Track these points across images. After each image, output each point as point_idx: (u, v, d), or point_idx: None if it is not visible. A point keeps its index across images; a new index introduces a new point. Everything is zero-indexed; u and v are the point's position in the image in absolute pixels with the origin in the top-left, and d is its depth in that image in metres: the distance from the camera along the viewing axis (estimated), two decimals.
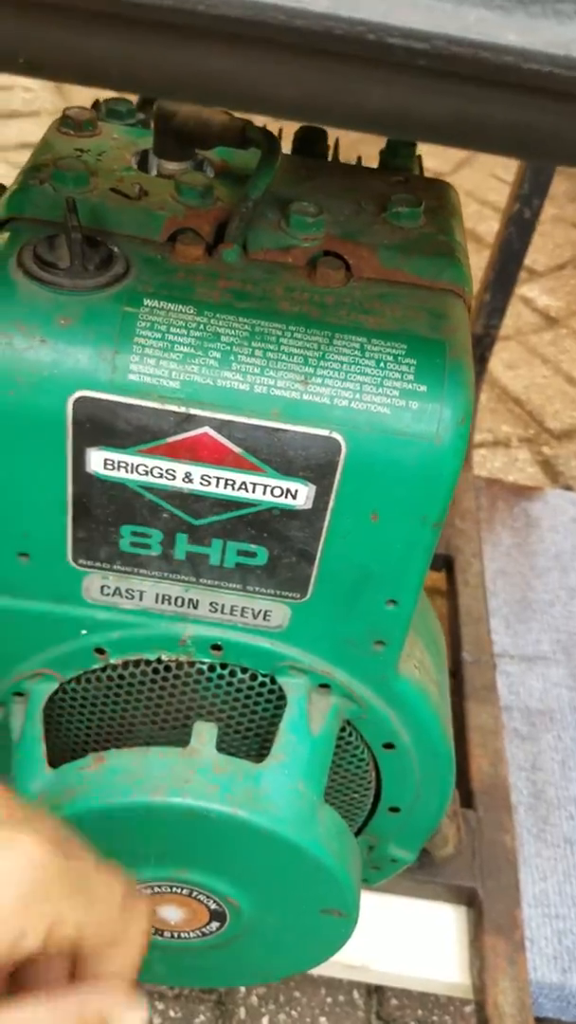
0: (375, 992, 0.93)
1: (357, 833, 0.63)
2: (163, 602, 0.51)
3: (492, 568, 1.16)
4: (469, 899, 0.85)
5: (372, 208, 0.52)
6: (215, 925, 0.56)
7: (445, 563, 1.16)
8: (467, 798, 0.91)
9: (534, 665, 1.05)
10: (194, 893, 0.54)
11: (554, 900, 0.86)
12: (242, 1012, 0.90)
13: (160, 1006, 0.89)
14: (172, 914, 0.54)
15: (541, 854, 0.89)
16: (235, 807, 0.49)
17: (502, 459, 1.74)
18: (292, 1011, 0.90)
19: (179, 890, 0.54)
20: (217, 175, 0.53)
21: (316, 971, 0.80)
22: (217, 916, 0.55)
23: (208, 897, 0.54)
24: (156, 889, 0.54)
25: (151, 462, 0.45)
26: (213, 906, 0.55)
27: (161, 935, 0.57)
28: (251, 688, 0.53)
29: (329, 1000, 0.92)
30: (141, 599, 0.51)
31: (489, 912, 0.83)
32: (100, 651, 0.53)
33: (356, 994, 0.93)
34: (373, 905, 0.84)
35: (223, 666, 0.53)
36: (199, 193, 0.49)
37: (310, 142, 0.59)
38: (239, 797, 0.49)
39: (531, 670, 1.04)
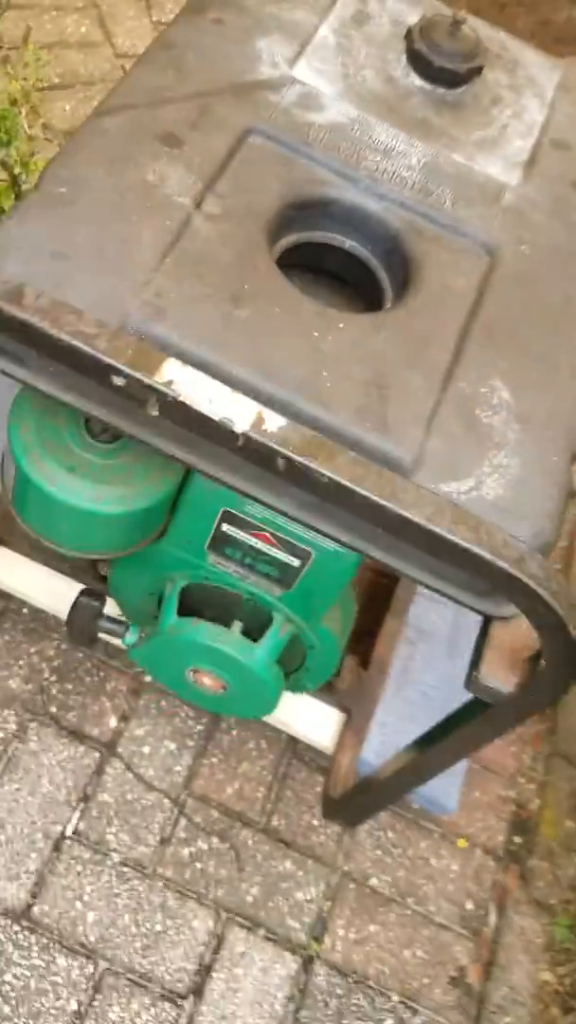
0: (291, 742, 1.76)
1: (290, 673, 1.41)
2: (236, 574, 1.26)
3: None
4: (347, 711, 1.65)
5: None
6: (223, 690, 1.35)
7: None
8: (365, 664, 1.69)
9: (435, 604, 1.79)
10: (216, 675, 1.33)
11: (392, 724, 1.65)
12: (225, 736, 1.74)
13: (188, 713, 1.73)
14: (208, 682, 1.34)
15: (395, 700, 1.67)
16: (240, 655, 1.26)
17: None
18: (251, 728, 1.74)
19: (211, 673, 1.33)
20: None
21: (270, 725, 1.63)
22: (224, 688, 1.35)
23: (221, 680, 1.33)
24: (202, 671, 1.33)
25: (241, 534, 1.18)
26: (222, 684, 1.34)
27: (203, 688, 1.37)
28: (260, 610, 1.29)
29: (269, 734, 1.75)
30: (230, 570, 1.26)
31: (353, 720, 1.63)
32: (206, 577, 1.29)
33: (283, 742, 1.76)
34: (305, 702, 1.64)
35: (249, 600, 1.29)
36: None
37: None
38: (245, 653, 1.26)
39: (432, 608, 1.78)
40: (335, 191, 1.07)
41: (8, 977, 1.46)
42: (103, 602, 1.36)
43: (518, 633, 0.94)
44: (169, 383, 0.80)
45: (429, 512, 0.79)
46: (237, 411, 0.80)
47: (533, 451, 0.93)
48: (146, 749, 1.69)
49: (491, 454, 0.92)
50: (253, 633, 1.31)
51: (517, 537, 0.87)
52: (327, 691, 1.63)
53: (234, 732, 1.75)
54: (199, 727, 1.73)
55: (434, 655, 1.73)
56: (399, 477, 0.80)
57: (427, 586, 0.94)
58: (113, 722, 1.70)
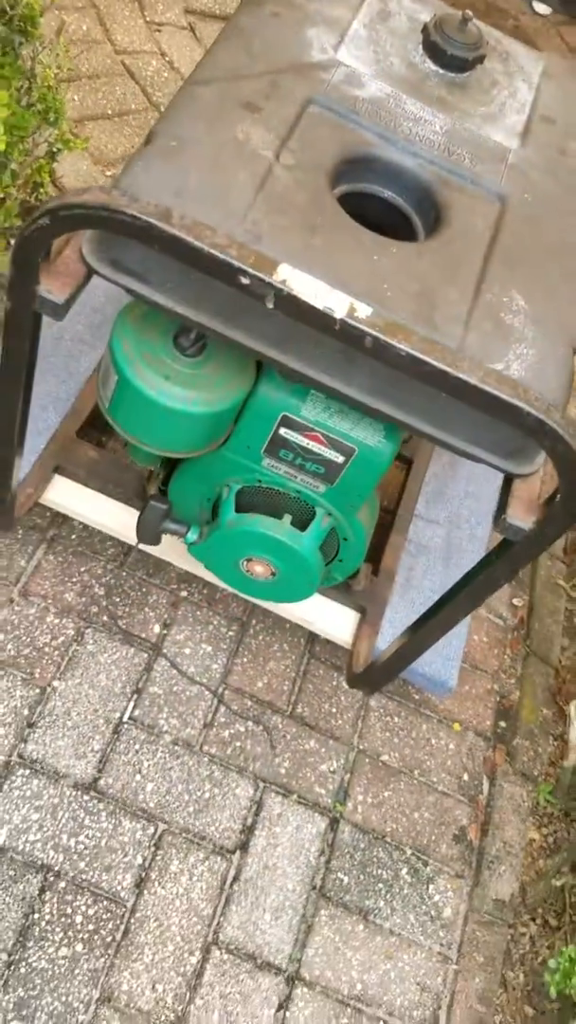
0: (311, 639, 2.01)
1: (328, 563, 1.66)
2: (286, 476, 1.50)
3: (431, 472, 2.15)
4: (362, 610, 1.90)
5: None
6: (272, 576, 1.60)
7: (409, 461, 2.15)
8: (376, 571, 1.95)
9: (431, 524, 2.06)
10: (268, 562, 1.57)
11: (399, 621, 1.91)
12: (255, 624, 1.98)
13: (220, 621, 1.97)
14: (259, 569, 1.58)
15: (401, 602, 1.93)
16: (291, 541, 1.51)
17: None
18: (275, 634, 1.98)
19: (264, 562, 1.57)
20: None
21: (288, 620, 1.88)
22: (273, 574, 1.59)
23: (271, 567, 1.57)
24: (255, 560, 1.57)
25: (296, 437, 1.43)
26: (272, 570, 1.58)
27: (253, 576, 1.61)
28: (306, 506, 1.54)
29: (290, 638, 2.00)
30: (281, 471, 1.50)
31: (368, 617, 1.89)
32: (259, 480, 1.53)
33: (302, 640, 2.01)
34: (323, 602, 1.89)
35: (296, 497, 1.53)
36: None
37: None
38: (295, 540, 1.51)
39: (428, 527, 2.05)
40: (379, 150, 1.33)
41: (81, 838, 1.68)
42: (169, 504, 1.60)
43: (534, 487, 1.21)
44: (283, 281, 1.04)
45: (480, 375, 1.05)
46: (336, 302, 1.05)
47: (545, 345, 1.20)
48: (187, 651, 1.92)
49: (514, 346, 1.18)
50: (299, 527, 1.56)
51: None
52: (345, 593, 1.88)
53: (260, 637, 1.99)
54: (231, 633, 1.97)
55: (432, 566, 2.00)
56: (458, 352, 1.06)
57: (466, 453, 1.21)
58: (157, 629, 1.93)
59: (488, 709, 2.10)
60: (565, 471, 1.10)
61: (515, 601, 2.30)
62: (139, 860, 1.68)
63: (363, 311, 1.05)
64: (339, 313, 1.04)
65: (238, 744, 1.85)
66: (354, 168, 1.33)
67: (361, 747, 1.94)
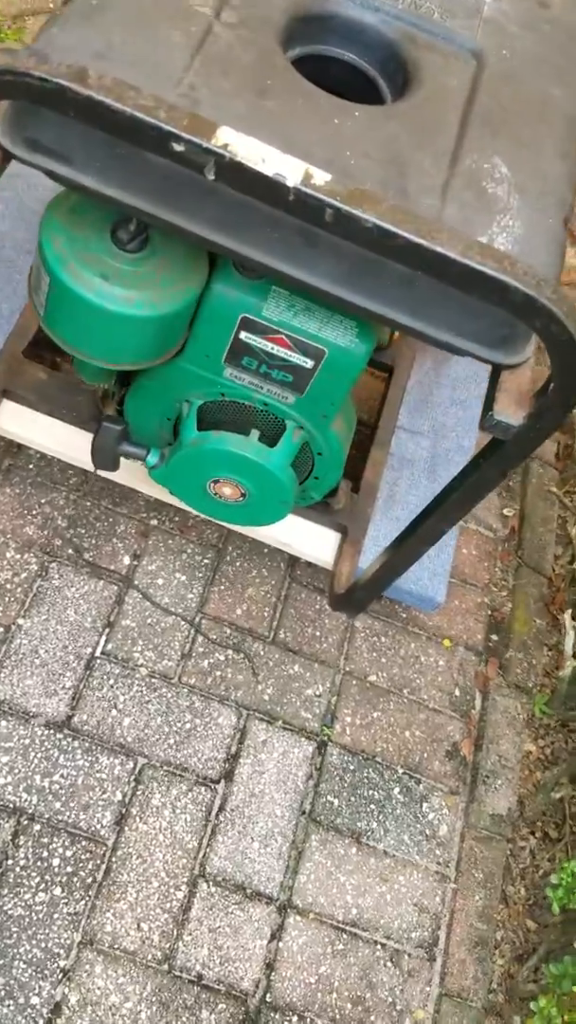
0: (291, 563, 1.86)
1: (302, 481, 1.50)
2: (251, 387, 1.33)
3: (413, 379, 1.98)
4: (343, 529, 1.75)
5: None
6: (242, 498, 1.44)
7: (388, 370, 1.97)
8: (357, 488, 1.79)
9: (414, 436, 1.89)
10: (236, 483, 1.41)
11: (382, 538, 1.77)
12: (231, 550, 1.83)
13: (195, 549, 1.81)
14: (228, 491, 1.42)
15: (384, 519, 1.79)
16: (260, 458, 1.35)
17: None
18: (252, 559, 1.84)
19: (232, 483, 1.41)
20: None
21: (266, 544, 1.73)
22: (243, 495, 1.43)
23: (241, 488, 1.42)
24: (223, 481, 1.41)
25: (259, 341, 1.26)
26: (242, 491, 1.42)
27: (222, 499, 1.45)
28: (275, 419, 1.38)
29: (269, 563, 1.85)
30: (245, 382, 1.33)
31: (350, 536, 1.74)
32: (222, 394, 1.36)
33: (282, 564, 1.86)
34: (302, 523, 1.74)
35: (264, 410, 1.37)
36: None
37: None
38: (264, 456, 1.35)
39: (412, 439, 1.89)
40: (335, 5, 1.12)
41: (56, 778, 1.56)
42: (125, 425, 1.43)
43: (524, 379, 1.04)
44: (225, 146, 0.86)
45: (461, 247, 0.87)
46: (288, 168, 0.86)
47: (532, 215, 1.02)
48: (160, 581, 1.78)
49: (498, 217, 1.01)
50: (268, 443, 1.39)
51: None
52: (324, 512, 1.73)
53: (238, 564, 1.84)
54: (206, 560, 1.82)
55: (416, 480, 1.84)
56: (435, 222, 0.88)
57: (448, 345, 1.04)
58: (127, 560, 1.78)
59: (479, 623, 1.97)
60: (559, 353, 0.93)
61: (505, 511, 2.15)
62: (118, 796, 1.56)
63: (320, 178, 0.87)
64: (292, 181, 0.86)
65: (218, 673, 1.72)
66: (308, 28, 1.12)
67: (347, 669, 1.81)
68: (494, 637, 1.96)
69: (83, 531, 1.78)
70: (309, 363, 1.27)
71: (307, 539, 1.75)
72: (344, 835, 1.65)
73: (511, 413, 1.03)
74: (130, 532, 1.81)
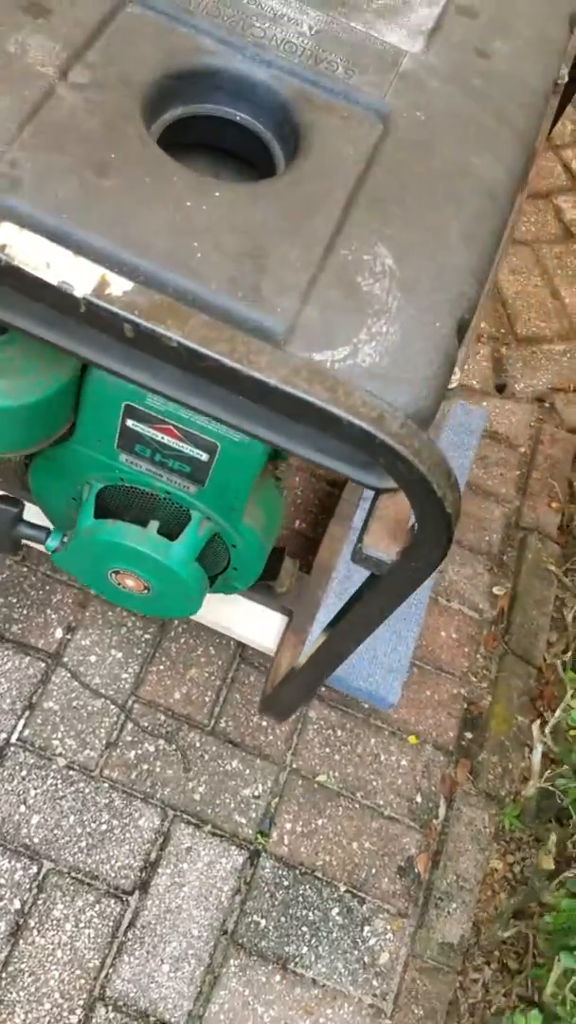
0: (240, 647, 1.73)
1: (219, 573, 1.37)
2: (149, 472, 1.21)
3: None
4: (289, 613, 1.61)
5: None
6: (146, 590, 1.32)
7: None
8: (308, 568, 1.65)
9: None
10: (137, 576, 1.29)
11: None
12: (176, 625, 1.71)
13: (135, 623, 1.70)
14: (130, 583, 1.30)
15: (337, 602, 1.64)
16: (158, 553, 1.22)
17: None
18: (199, 636, 1.71)
19: (132, 574, 1.29)
20: None
21: (212, 628, 1.60)
22: (146, 588, 1.31)
23: (143, 581, 1.29)
24: (123, 572, 1.29)
25: (147, 430, 1.13)
26: (144, 584, 1.30)
27: (127, 589, 1.33)
28: (179, 509, 1.25)
29: (217, 641, 1.73)
30: (143, 468, 1.21)
31: (295, 621, 1.60)
32: (121, 478, 1.24)
33: (232, 647, 1.73)
34: (245, 604, 1.61)
35: (167, 499, 1.24)
36: None
37: None
38: (162, 551, 1.23)
39: None
40: (218, 59, 0.99)
41: None
42: (20, 507, 1.32)
43: (403, 505, 0.89)
44: (3, 247, 0.74)
45: (284, 373, 0.73)
46: (78, 275, 0.74)
47: (415, 318, 0.87)
48: (92, 658, 1.67)
49: (370, 322, 0.86)
50: (173, 532, 1.27)
51: (393, 402, 0.83)
52: (268, 594, 1.60)
53: (182, 640, 1.72)
54: (147, 636, 1.71)
55: None
56: (255, 340, 0.75)
57: (312, 462, 0.90)
58: (59, 633, 1.68)
59: (452, 718, 1.80)
60: (411, 494, 0.78)
61: (495, 589, 1.98)
62: (16, 905, 1.46)
63: (119, 287, 0.74)
64: (82, 290, 0.74)
65: (145, 767, 1.60)
66: (189, 85, 1.00)
67: (294, 766, 1.67)
68: (468, 735, 1.79)
69: (14, 600, 1.68)
70: (204, 456, 1.14)
71: (250, 622, 1.62)
72: (268, 960, 1.50)
73: (383, 548, 0.88)
74: (67, 602, 1.71)
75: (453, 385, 0.94)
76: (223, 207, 0.89)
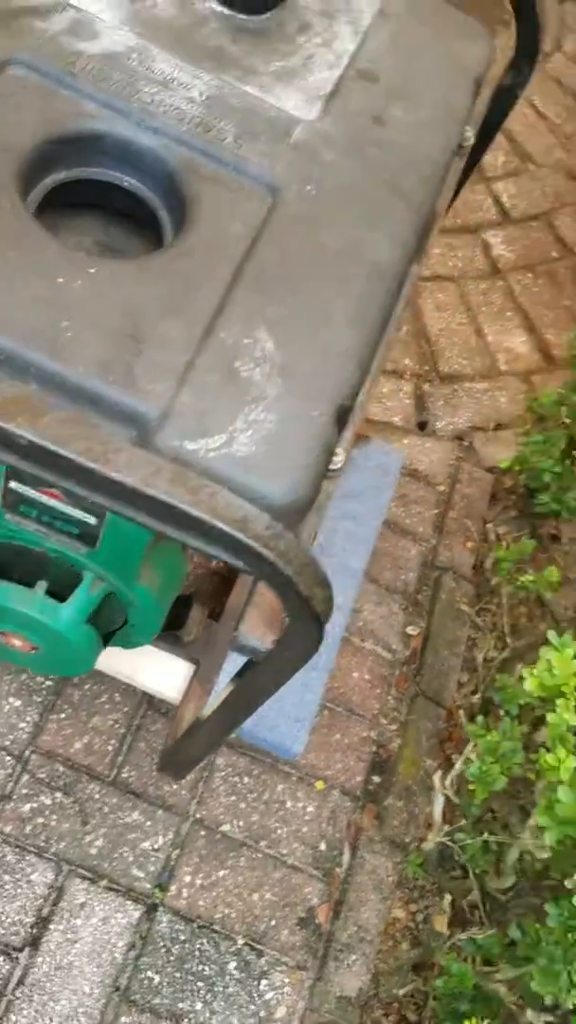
0: (147, 694, 1.70)
1: (115, 631, 1.34)
2: (38, 532, 1.18)
3: None
4: (196, 662, 1.59)
5: None
6: (34, 651, 1.29)
7: None
8: (222, 610, 1.64)
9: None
10: (24, 637, 1.26)
11: None
12: (76, 691, 1.68)
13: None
14: (17, 643, 1.27)
15: None
16: (44, 616, 1.20)
17: (390, 387, 2.32)
18: (104, 682, 1.68)
19: (19, 635, 1.26)
20: None
21: (117, 678, 1.57)
22: (35, 649, 1.28)
23: (30, 642, 1.26)
24: (10, 634, 1.26)
25: (32, 492, 1.10)
26: (32, 645, 1.27)
27: (14, 649, 1.30)
28: (70, 569, 1.22)
29: (124, 687, 1.70)
30: (30, 527, 1.18)
31: (202, 671, 1.58)
32: (11, 537, 1.21)
33: (139, 694, 1.70)
34: (149, 651, 1.58)
35: (58, 558, 1.21)
36: None
37: None
38: (49, 614, 1.20)
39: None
40: (101, 124, 0.97)
41: None
42: None
43: None
44: None
45: (144, 474, 0.71)
46: None
47: (294, 405, 0.86)
48: None
49: (247, 409, 0.85)
50: (66, 591, 1.24)
51: (268, 493, 0.81)
52: (175, 644, 1.57)
53: (86, 686, 1.69)
54: (48, 683, 1.67)
55: None
56: (115, 438, 0.73)
57: (190, 545, 0.88)
58: None
59: (360, 762, 1.79)
60: (282, 596, 0.77)
61: (409, 629, 1.98)
62: None
63: None
64: None
65: (40, 820, 1.56)
66: (72, 150, 0.97)
67: (198, 816, 1.65)
68: (376, 779, 1.79)
69: None
70: (93, 519, 1.12)
71: (154, 672, 1.59)
72: (161, 1017, 1.48)
73: (259, 635, 0.87)
74: None
75: (337, 467, 0.94)
76: (99, 283, 0.87)
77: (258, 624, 0.88)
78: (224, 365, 0.86)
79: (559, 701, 1.16)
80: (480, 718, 1.69)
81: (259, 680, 0.94)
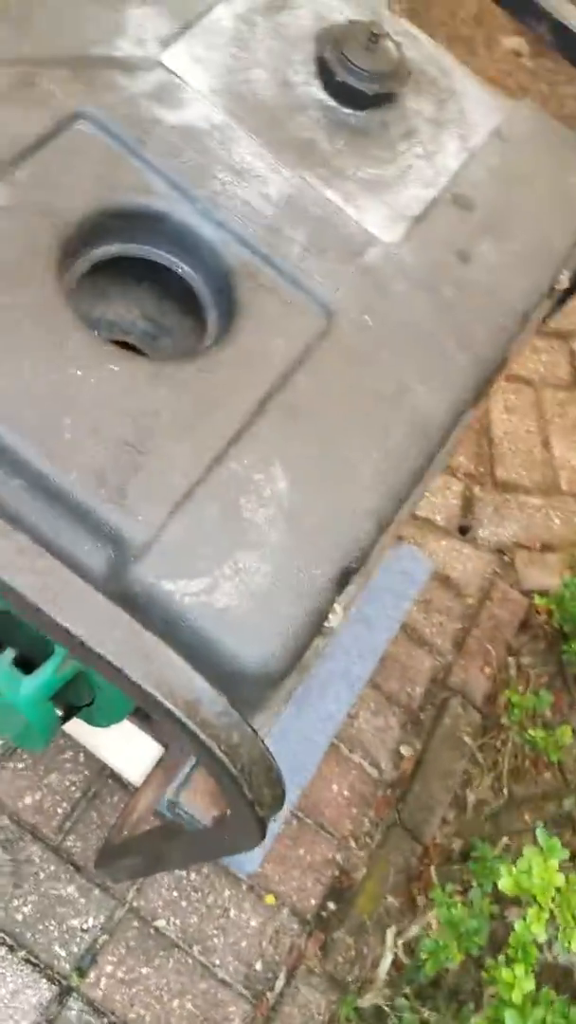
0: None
1: (79, 709, 1.27)
2: None
3: None
4: (165, 746, 1.51)
5: None
6: None
7: None
8: None
9: None
10: None
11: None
12: None
13: None
14: None
15: None
16: (5, 688, 1.13)
17: (438, 483, 2.22)
18: (72, 740, 1.61)
19: None
20: None
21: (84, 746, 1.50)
22: None
23: None
24: None
25: None
26: None
27: None
28: (42, 639, 1.15)
29: (83, 758, 1.62)
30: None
31: (169, 756, 1.50)
32: None
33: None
34: (121, 727, 1.51)
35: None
36: None
37: None
38: (10, 685, 1.13)
39: None
40: (164, 204, 0.91)
41: None
42: None
43: None
44: None
45: (92, 626, 0.64)
46: None
47: (293, 559, 0.78)
48: None
49: (239, 554, 0.77)
50: (36, 661, 1.17)
51: (239, 654, 0.74)
52: (146, 720, 1.50)
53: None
54: None
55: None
56: (76, 578, 0.65)
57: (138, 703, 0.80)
58: None
59: (319, 884, 1.69)
60: (225, 790, 0.69)
61: (402, 748, 1.87)
62: None
63: None
64: None
65: None
66: (131, 225, 0.91)
67: (135, 905, 1.56)
68: (331, 906, 1.69)
69: None
70: None
71: (119, 747, 1.52)
72: None
73: (201, 807, 0.79)
74: None
75: (335, 624, 0.85)
76: (116, 383, 0.81)
77: (203, 794, 0.80)
78: (226, 498, 0.79)
79: (531, 910, 1.06)
80: (455, 869, 1.59)
81: (198, 847, 0.85)
